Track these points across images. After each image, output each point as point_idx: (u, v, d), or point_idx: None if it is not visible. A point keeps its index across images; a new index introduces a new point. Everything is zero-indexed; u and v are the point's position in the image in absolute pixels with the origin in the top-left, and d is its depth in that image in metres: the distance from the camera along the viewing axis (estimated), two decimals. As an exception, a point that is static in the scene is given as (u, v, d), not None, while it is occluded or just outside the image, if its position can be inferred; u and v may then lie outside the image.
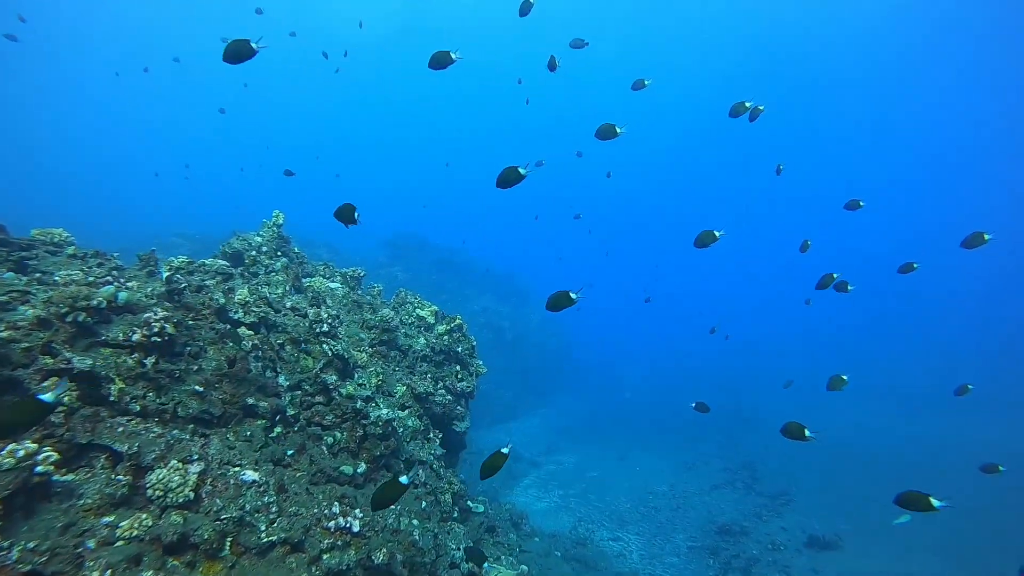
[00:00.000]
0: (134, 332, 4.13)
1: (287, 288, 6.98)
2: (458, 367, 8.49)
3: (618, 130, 4.98)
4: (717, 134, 64.55)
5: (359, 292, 8.96)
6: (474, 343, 8.91)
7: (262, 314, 5.62)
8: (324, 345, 5.74)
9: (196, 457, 4.09)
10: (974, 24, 42.60)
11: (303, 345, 5.78)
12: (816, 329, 41.16)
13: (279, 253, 8.31)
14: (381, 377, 6.69)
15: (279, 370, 5.49)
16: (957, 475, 14.18)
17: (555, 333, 29.38)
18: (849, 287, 7.98)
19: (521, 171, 4.21)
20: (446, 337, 8.31)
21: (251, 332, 5.45)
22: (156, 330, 4.22)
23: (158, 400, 4.19)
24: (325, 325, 5.80)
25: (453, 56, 4.79)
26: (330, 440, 5.49)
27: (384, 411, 5.87)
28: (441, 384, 7.95)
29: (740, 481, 16.38)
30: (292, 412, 5.34)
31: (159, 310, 4.38)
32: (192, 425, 4.38)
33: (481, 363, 8.96)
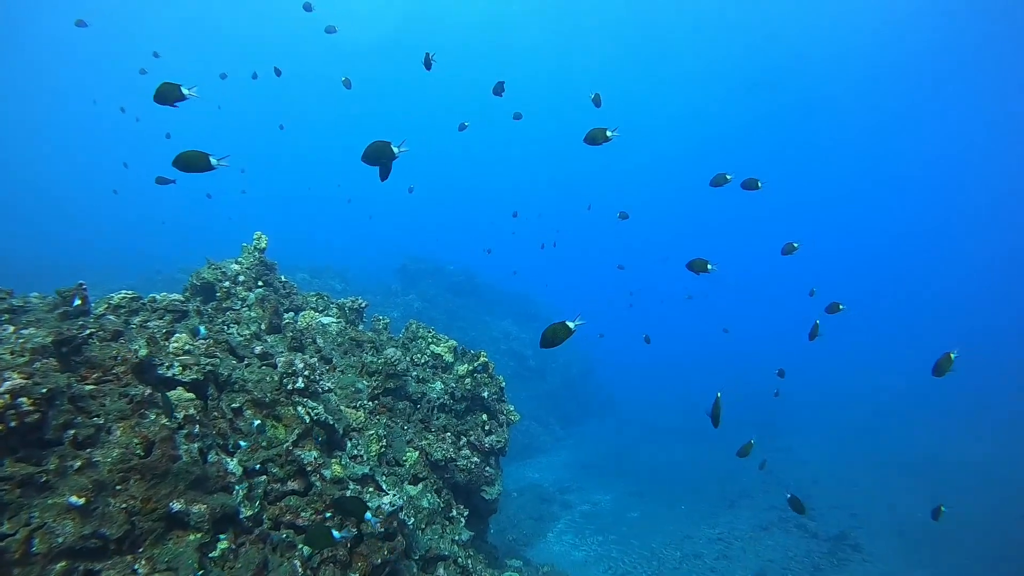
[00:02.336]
0: (-44, 418, 2.48)
1: (260, 327, 5.32)
2: (484, 416, 6.72)
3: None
4: (718, 143, 63.61)
5: (360, 327, 7.28)
6: (503, 384, 7.14)
7: (210, 366, 3.95)
8: (299, 408, 4.03)
9: (51, 634, 2.37)
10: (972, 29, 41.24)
11: (272, 408, 4.10)
12: (866, 348, 38.68)
13: (260, 283, 6.70)
14: (384, 442, 4.96)
15: (232, 449, 3.79)
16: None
17: (582, 358, 27.41)
18: (840, 307, 7.95)
19: (394, 148, 3.94)
20: (468, 380, 6.55)
21: (191, 396, 3.77)
22: (-1, 411, 2.55)
23: (-4, 531, 2.51)
24: (300, 380, 4.09)
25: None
26: (307, 549, 3.75)
27: (387, 498, 4.11)
28: (464, 441, 6.17)
29: (792, 520, 14.17)
30: (249, 512, 3.62)
31: (14, 376, 2.72)
32: (63, 563, 2.67)
33: (513, 408, 7.18)
